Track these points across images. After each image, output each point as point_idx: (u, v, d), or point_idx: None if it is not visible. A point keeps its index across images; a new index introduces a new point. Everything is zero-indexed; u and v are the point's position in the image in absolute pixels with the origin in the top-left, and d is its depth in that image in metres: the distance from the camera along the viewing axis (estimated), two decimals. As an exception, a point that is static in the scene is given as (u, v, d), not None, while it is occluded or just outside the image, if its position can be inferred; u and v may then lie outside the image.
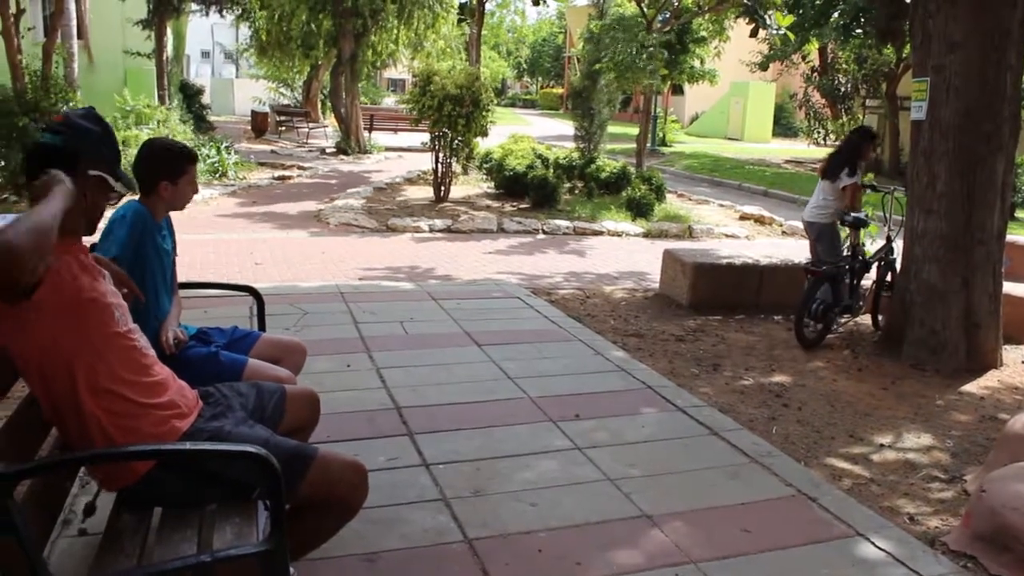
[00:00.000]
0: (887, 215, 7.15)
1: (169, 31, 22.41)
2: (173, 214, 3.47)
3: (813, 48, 19.26)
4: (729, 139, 34.88)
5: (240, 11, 22.58)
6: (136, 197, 3.23)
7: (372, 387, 4.94)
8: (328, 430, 4.12)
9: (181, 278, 3.58)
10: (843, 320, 6.84)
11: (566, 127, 17.43)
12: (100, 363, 2.20)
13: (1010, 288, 6.64)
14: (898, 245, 6.75)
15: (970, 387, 5.76)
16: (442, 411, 4.59)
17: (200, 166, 14.91)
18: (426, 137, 14.10)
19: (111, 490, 2.45)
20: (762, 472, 3.96)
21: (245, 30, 26.69)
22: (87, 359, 2.19)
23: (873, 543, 3.33)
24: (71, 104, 12.40)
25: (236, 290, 4.19)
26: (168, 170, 3.21)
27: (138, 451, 2.21)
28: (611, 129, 17.64)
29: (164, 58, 20.20)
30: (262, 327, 3.99)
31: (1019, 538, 3.04)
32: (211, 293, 6.53)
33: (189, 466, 2.32)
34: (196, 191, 3.36)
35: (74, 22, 17.16)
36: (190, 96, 24.73)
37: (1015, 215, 15.10)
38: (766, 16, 14.88)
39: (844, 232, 7.72)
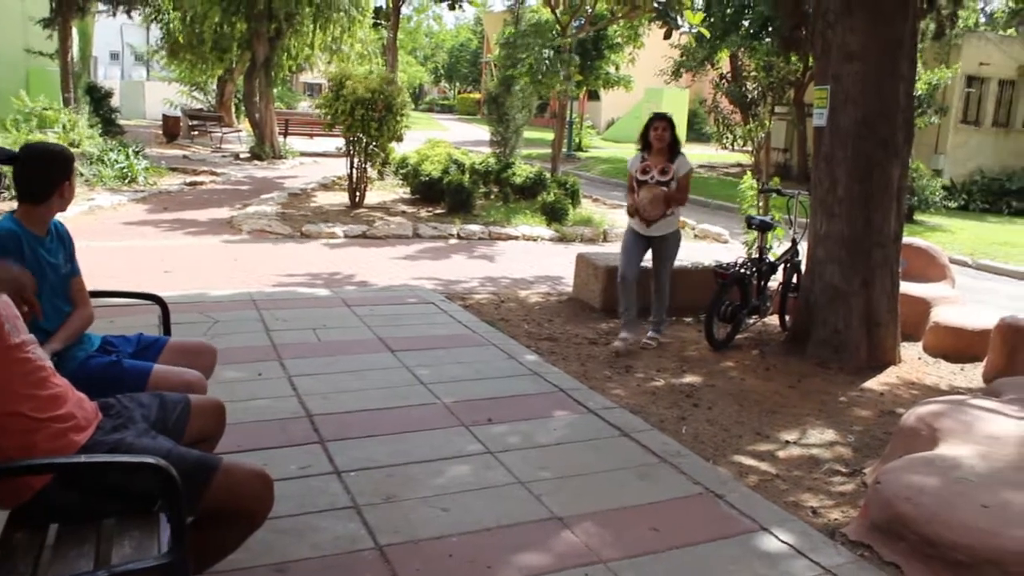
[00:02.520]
0: (792, 218, 7.35)
1: (75, 31, 21.75)
2: (80, 224, 3.37)
3: (724, 56, 19.72)
4: (644, 144, 35.35)
5: (150, 12, 22.01)
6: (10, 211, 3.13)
7: (284, 395, 4.88)
8: (239, 439, 4.06)
9: (87, 287, 3.47)
10: (751, 321, 7.02)
11: (483, 132, 17.49)
12: None
13: (907, 288, 6.91)
14: (803, 247, 6.95)
15: (871, 383, 5.97)
16: (354, 418, 4.56)
17: (108, 171, 14.61)
18: (341, 142, 13.96)
19: (5, 508, 2.37)
20: (671, 472, 4.04)
21: (156, 31, 26.01)
22: None
23: (777, 536, 3.43)
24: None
25: (139, 298, 4.09)
26: (64, 170, 3.11)
27: (32, 465, 2.15)
28: (528, 134, 17.79)
29: (69, 59, 19.59)
30: (168, 335, 3.90)
31: (910, 527, 3.17)
32: (117, 302, 6.34)
33: (87, 480, 2.27)
34: (73, 191, 3.24)
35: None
36: (98, 99, 23.99)
37: (912, 218, 15.74)
38: (677, 17, 15.18)
39: (752, 234, 7.94)
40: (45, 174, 3.12)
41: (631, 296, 6.52)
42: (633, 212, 6.49)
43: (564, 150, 22.27)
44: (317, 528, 3.36)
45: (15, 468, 2.17)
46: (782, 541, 3.39)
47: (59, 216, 3.30)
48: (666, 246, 6.57)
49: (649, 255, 6.66)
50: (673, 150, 6.43)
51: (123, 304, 5.99)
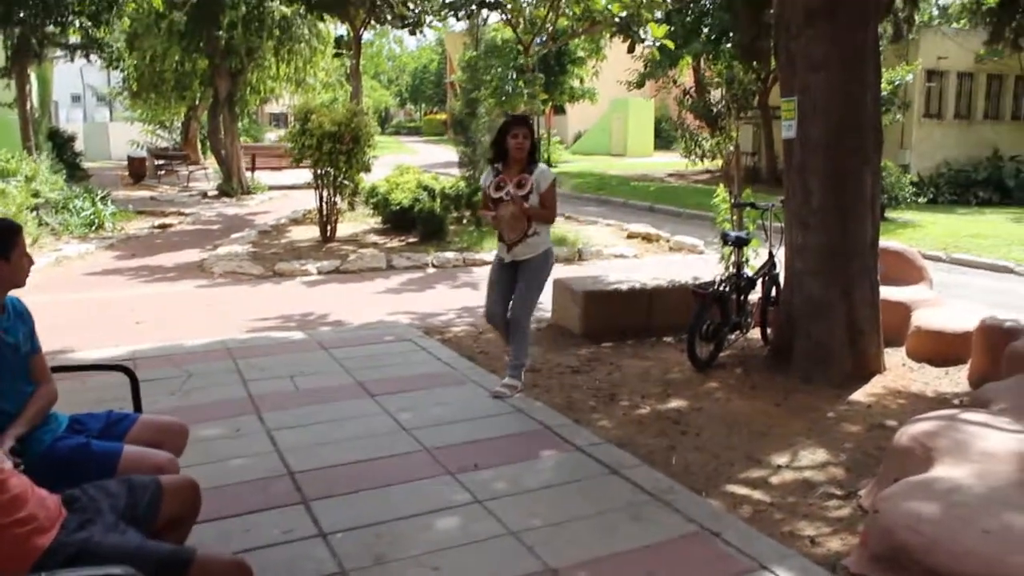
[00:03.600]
0: (767, 230, 7.31)
1: (33, 77, 21.51)
2: (48, 276, 3.24)
3: (686, 65, 19.80)
4: (613, 155, 35.55)
5: (109, 55, 21.83)
6: None
7: (263, 451, 4.75)
8: (218, 506, 3.94)
9: (56, 344, 3.35)
10: (733, 338, 6.95)
11: (451, 153, 17.43)
12: None
13: (885, 293, 6.86)
14: (781, 258, 6.90)
15: (858, 395, 5.92)
16: (338, 473, 4.44)
17: (74, 219, 14.40)
18: (310, 174, 13.85)
19: None
20: (664, 510, 3.95)
21: (117, 72, 25.81)
22: None
23: (776, 575, 3.34)
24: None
25: (107, 370, 3.96)
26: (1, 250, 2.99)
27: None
28: (496, 154, 17.74)
29: (28, 107, 19.35)
30: (138, 408, 3.77)
31: (913, 557, 3.09)
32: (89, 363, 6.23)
33: (51, 591, 2.14)
34: (31, 262, 3.11)
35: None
36: (61, 144, 23.76)
37: (884, 216, 15.80)
38: (640, 30, 15.20)
39: (728, 249, 7.89)
40: None
41: (503, 338, 6.04)
42: (499, 236, 5.80)
43: (534, 167, 22.26)
44: (304, 599, 3.24)
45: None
46: (783, 580, 3.30)
47: (25, 288, 3.16)
48: (528, 271, 5.70)
49: None
50: (530, 160, 5.69)
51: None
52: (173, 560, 2.24)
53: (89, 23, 16.88)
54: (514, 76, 14.95)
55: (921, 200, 18.57)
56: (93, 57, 21.86)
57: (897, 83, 19.41)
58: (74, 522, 2.36)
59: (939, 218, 17.16)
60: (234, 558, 2.42)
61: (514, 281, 5.76)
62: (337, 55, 23.31)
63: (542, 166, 5.73)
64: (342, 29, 23.66)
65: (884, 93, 17.54)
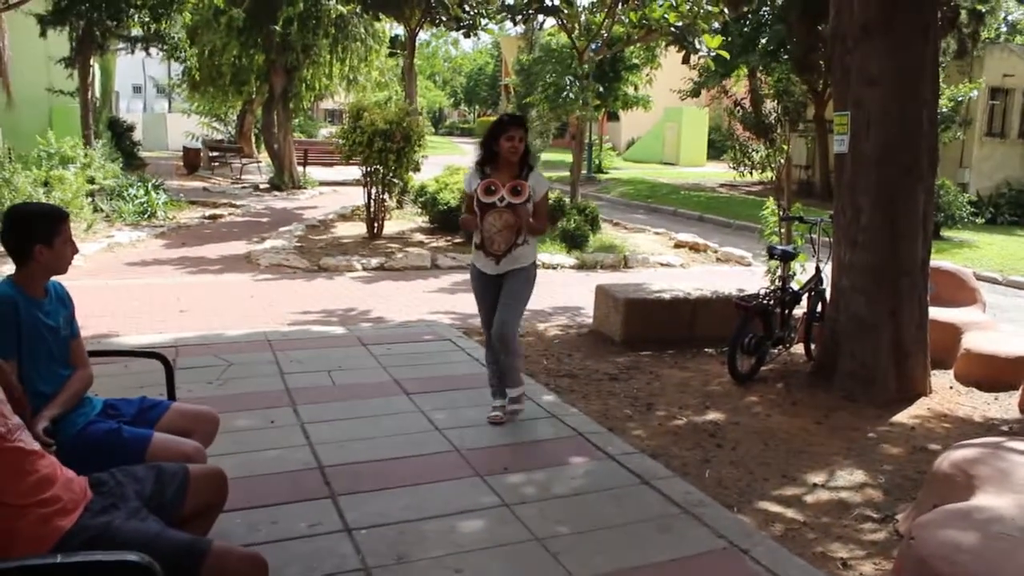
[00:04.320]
0: (816, 245, 7.19)
1: (96, 68, 21.95)
2: (99, 261, 3.29)
3: (742, 74, 19.59)
4: (665, 164, 35.33)
5: (168, 48, 22.23)
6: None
7: (296, 444, 4.77)
8: (248, 496, 3.97)
9: (103, 328, 3.40)
10: (776, 352, 6.84)
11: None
12: None
13: (935, 314, 6.71)
14: (828, 273, 6.77)
15: (901, 417, 5.78)
16: (367, 469, 4.44)
17: (127, 207, 14.66)
18: (359, 172, 13.95)
19: None
20: (693, 524, 3.88)
21: (176, 65, 26.27)
22: None
23: (805, 597, 3.26)
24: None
25: (143, 357, 4.00)
26: (41, 233, 3.01)
27: (3, 569, 2.04)
28: (548, 156, 17.76)
29: (89, 96, 19.74)
30: (171, 395, 3.81)
31: (948, 589, 2.99)
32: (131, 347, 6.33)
33: (72, 572, 2.16)
34: (75, 251, 3.15)
35: (-8, 59, 16.73)
36: (120, 133, 24.25)
37: (939, 235, 15.49)
38: (695, 41, 15.06)
39: (774, 263, 7.78)
40: (15, 237, 3.04)
41: (493, 362, 5.35)
42: (479, 245, 5.13)
43: (584, 172, 22.19)
44: (325, 594, 3.24)
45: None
46: (811, 603, 3.22)
47: (69, 272, 3.21)
48: (517, 281, 5.09)
49: None
50: (523, 164, 5.07)
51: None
52: (190, 550, 2.25)
53: (148, 18, 17.17)
54: (569, 81, 14.85)
55: (979, 220, 18.14)
56: (154, 49, 22.25)
57: (959, 100, 19.00)
58: (98, 505, 2.38)
59: (997, 239, 16.77)
60: (250, 551, 2.42)
61: (499, 294, 5.15)
62: (392, 54, 23.47)
63: (537, 172, 5.16)
64: (398, 28, 23.84)
65: (944, 110, 17.21)
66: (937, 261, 7.73)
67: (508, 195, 4.92)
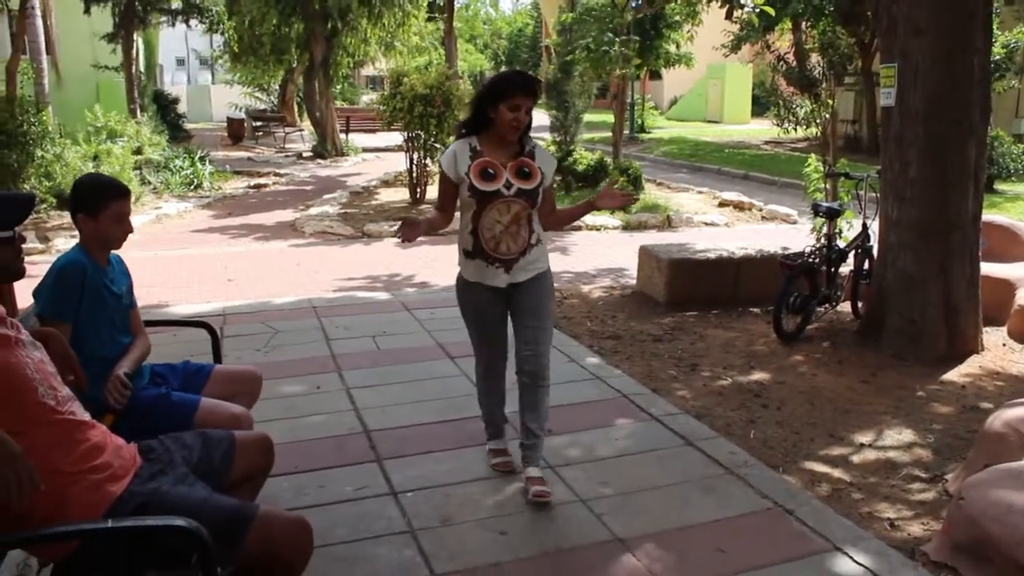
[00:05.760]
0: (862, 201, 7.05)
1: (140, 42, 22.18)
2: (148, 233, 3.36)
3: (785, 29, 19.17)
4: (709, 122, 34.83)
5: (209, 20, 22.36)
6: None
7: (342, 409, 4.84)
8: (296, 460, 4.05)
9: (153, 299, 3.48)
10: (821, 311, 6.75)
11: (544, 117, 17.33)
12: (21, 439, 2.06)
13: (988, 270, 6.56)
14: (875, 230, 6.65)
15: (951, 375, 5.68)
16: (412, 433, 4.49)
17: (174, 178, 14.86)
18: (401, 138, 13.96)
19: (49, 562, 2.35)
20: (738, 484, 3.87)
21: (218, 36, 26.44)
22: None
23: (851, 557, 3.24)
24: (38, 123, 12.22)
25: (190, 326, 4.07)
26: (84, 204, 3.09)
27: (57, 532, 2.11)
28: (590, 117, 17.55)
29: (134, 70, 19.99)
30: (217, 360, 3.88)
31: (999, 549, 2.96)
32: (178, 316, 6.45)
33: (123, 536, 2.21)
34: (129, 229, 3.19)
35: (42, 38, 16.96)
36: (164, 106, 24.55)
37: (993, 187, 15.09)
38: (740, -5, 14.73)
39: (820, 220, 7.65)
40: (69, 204, 3.18)
41: (498, 396, 4.17)
42: (474, 251, 3.74)
43: (627, 132, 21.96)
44: (372, 556, 3.29)
45: (37, 536, 2.14)
46: (857, 562, 3.19)
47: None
48: (538, 294, 3.83)
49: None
50: (522, 137, 3.77)
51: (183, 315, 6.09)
52: (236, 515, 2.29)
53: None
54: (607, 38, 14.64)
55: (1035, 172, 17.62)
56: (195, 22, 22.40)
57: (1013, 47, 18.37)
58: (147, 472, 2.43)
59: (1054, 192, 16.30)
60: (294, 515, 2.45)
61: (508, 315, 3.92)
62: (431, 19, 23.35)
63: (540, 144, 3.92)
64: (436, -8, 23.73)
65: (996, 57, 16.66)
66: (990, 215, 7.55)
67: (515, 179, 3.67)
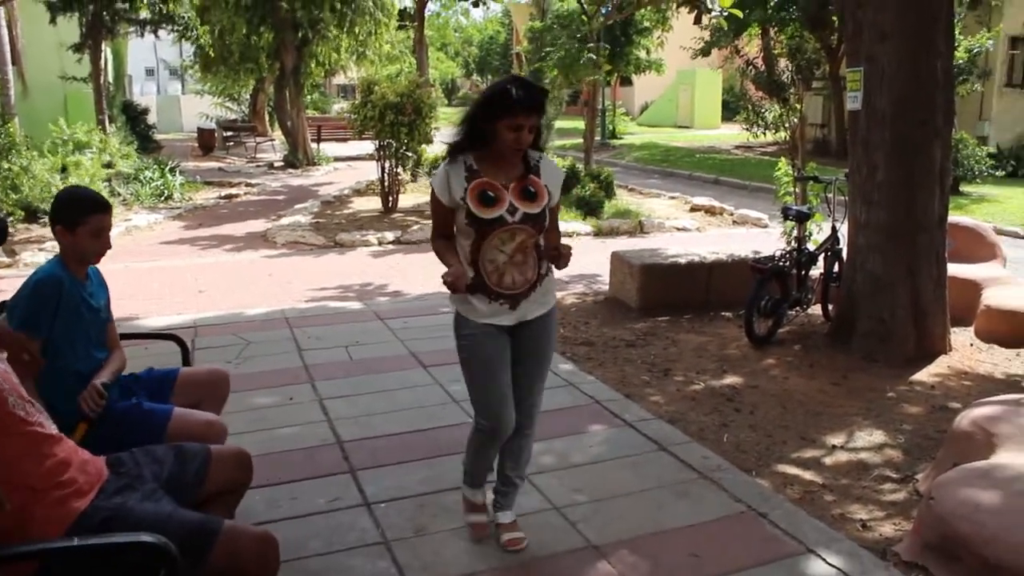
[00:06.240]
0: (831, 204, 7.11)
1: (108, 52, 21.94)
2: (118, 244, 3.33)
3: (754, 33, 19.33)
4: (679, 127, 35.06)
5: (179, 30, 22.18)
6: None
7: (315, 420, 4.81)
8: (268, 473, 4.00)
9: (124, 311, 3.45)
10: (792, 314, 6.80)
11: (515, 126, 17.32)
12: None
13: (955, 271, 6.65)
14: (844, 233, 6.71)
15: (921, 375, 5.74)
16: (386, 443, 4.47)
17: (144, 190, 14.72)
18: (373, 146, 13.93)
19: None
20: (711, 488, 3.89)
21: (188, 46, 26.26)
22: None
23: (824, 559, 3.26)
24: (5, 135, 12.07)
25: (159, 339, 4.04)
26: (62, 217, 3.06)
27: (19, 552, 2.08)
28: (561, 124, 17.66)
29: (102, 81, 19.79)
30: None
31: (968, 547, 2.99)
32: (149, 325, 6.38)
33: (85, 555, 2.19)
34: (107, 245, 3.15)
35: (7, 48, 16.76)
36: (134, 116, 24.29)
37: (958, 189, 15.29)
38: (707, 0, 14.83)
39: (790, 224, 7.72)
40: (49, 215, 3.17)
41: (495, 455, 3.49)
42: (475, 285, 3.18)
43: (598, 138, 22.03)
44: (346, 568, 3.27)
45: (3, 556, 2.10)
46: (830, 564, 3.21)
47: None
48: (542, 338, 3.38)
49: None
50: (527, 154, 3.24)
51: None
52: (201, 529, 2.27)
53: (158, -1, 17.20)
54: (578, 46, 14.72)
55: (999, 174, 17.85)
56: (165, 32, 22.22)
57: (976, 51, 18.65)
58: (113, 486, 2.40)
59: (1018, 192, 16.49)
60: (260, 530, 2.44)
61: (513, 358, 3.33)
62: (401, 27, 23.31)
63: (546, 158, 3.38)
64: (407, 0, 23.68)
65: (960, 62, 16.89)
66: (956, 216, 7.64)
67: (518, 201, 3.16)
